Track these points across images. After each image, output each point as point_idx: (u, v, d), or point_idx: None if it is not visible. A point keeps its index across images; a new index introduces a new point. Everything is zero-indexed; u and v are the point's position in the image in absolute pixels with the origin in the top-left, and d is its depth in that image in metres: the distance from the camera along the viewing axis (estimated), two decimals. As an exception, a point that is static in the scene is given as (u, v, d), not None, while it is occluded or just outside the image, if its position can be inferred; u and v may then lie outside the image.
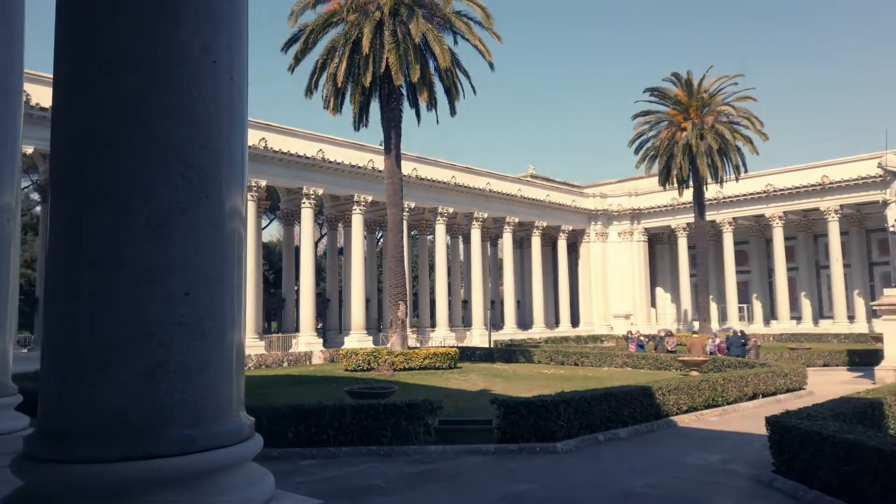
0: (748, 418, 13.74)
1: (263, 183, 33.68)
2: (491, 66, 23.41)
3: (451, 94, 23.35)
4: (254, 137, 32.99)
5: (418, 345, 36.48)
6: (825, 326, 47.65)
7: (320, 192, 36.59)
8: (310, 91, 23.77)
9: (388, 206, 23.98)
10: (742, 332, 27.44)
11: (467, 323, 48.67)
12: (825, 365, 26.24)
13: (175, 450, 2.38)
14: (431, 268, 48.54)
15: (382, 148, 24.31)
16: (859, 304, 48.70)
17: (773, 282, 53.70)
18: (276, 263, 50.34)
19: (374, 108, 24.32)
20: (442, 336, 41.31)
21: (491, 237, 56.70)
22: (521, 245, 58.39)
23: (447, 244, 48.98)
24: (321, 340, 36.21)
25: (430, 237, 52.31)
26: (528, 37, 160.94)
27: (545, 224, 50.46)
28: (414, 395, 14.88)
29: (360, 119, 23.91)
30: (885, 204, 21.54)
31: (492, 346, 36.24)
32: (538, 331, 47.99)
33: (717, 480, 8.11)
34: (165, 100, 2.43)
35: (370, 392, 12.41)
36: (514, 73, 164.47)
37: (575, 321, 54.49)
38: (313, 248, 36.96)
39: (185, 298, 2.50)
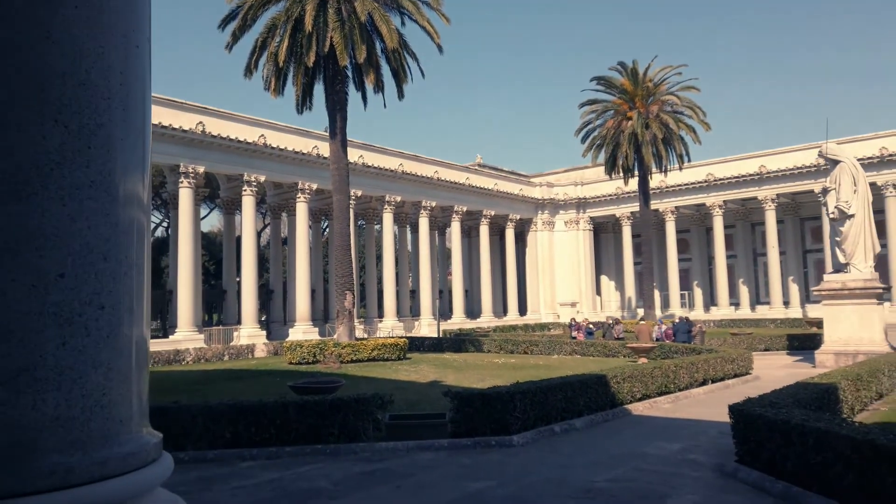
0: (700, 404, 13.73)
1: (201, 169, 32.18)
2: (439, 48, 22.79)
3: (399, 76, 22.61)
4: (190, 121, 31.46)
5: (366, 336, 35.74)
6: (762, 312, 49.22)
7: (262, 179, 35.29)
8: (249, 71, 22.60)
9: (333, 194, 23.11)
10: (687, 318, 27.86)
11: (416, 313, 48.15)
12: (766, 349, 26.87)
13: (46, 484, 1.73)
14: (379, 257, 47.68)
15: (328, 134, 23.41)
16: (794, 290, 50.57)
17: (712, 269, 55.13)
18: (218, 254, 48.55)
19: (319, 90, 23.41)
20: (390, 326, 40.69)
21: (439, 226, 56.28)
22: (470, 234, 58.17)
23: (395, 233, 48.27)
24: (264, 333, 35.05)
25: (377, 226, 51.37)
26: (476, 23, 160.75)
27: (493, 213, 50.33)
28: (362, 389, 14.26)
29: (304, 102, 22.91)
30: (826, 191, 22.06)
31: (441, 335, 35.85)
32: (486, 320, 47.90)
33: (680, 472, 7.84)
34: (26, 9, 1.76)
35: (315, 387, 11.73)
36: (462, 60, 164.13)
37: (522, 310, 54.71)
38: (255, 237, 35.67)
39: (58, 282, 1.83)
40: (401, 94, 22.86)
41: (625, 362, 22.21)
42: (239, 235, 37.96)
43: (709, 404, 13.67)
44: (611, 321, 28.71)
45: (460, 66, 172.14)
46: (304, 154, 36.48)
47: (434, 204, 45.80)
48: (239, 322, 35.82)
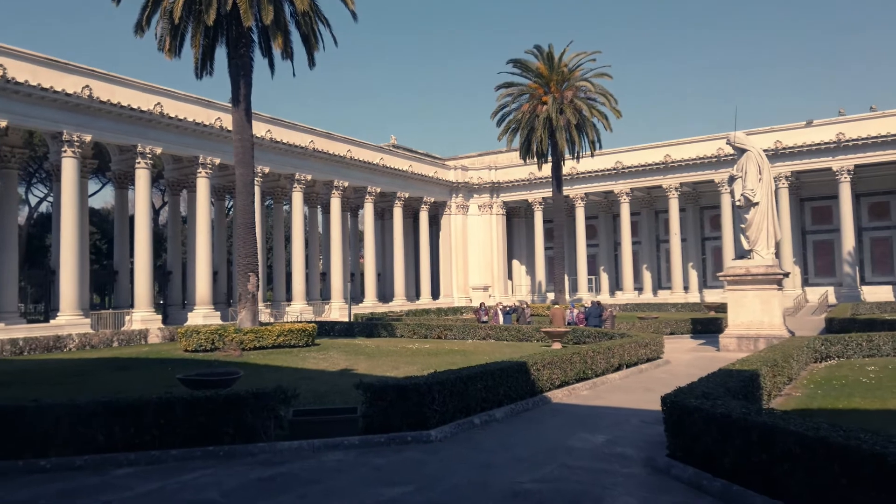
0: (617, 390, 13.49)
1: (88, 138, 29.23)
2: (353, 15, 21.44)
3: (310, 42, 21.04)
4: (76, 84, 28.47)
5: (272, 320, 34.05)
6: (664, 296, 51.18)
7: (159, 151, 32.62)
8: (140, 28, 20.32)
9: (236, 167, 21.35)
10: (599, 302, 28.13)
11: (326, 296, 46.64)
12: (672, 333, 27.52)
13: None
14: (288, 239, 45.69)
15: (232, 105, 21.50)
16: (693, 275, 52.88)
17: (618, 255, 56.80)
18: (110, 232, 44.93)
19: (221, 55, 21.49)
20: (299, 310, 39.08)
21: (351, 208, 54.75)
22: (383, 216, 57.00)
23: (305, 214, 46.39)
24: (160, 317, 32.63)
25: (286, 207, 49.28)
26: (390, 4, 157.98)
27: (407, 195, 49.40)
28: (265, 380, 13.08)
29: (204, 65, 20.95)
30: (732, 179, 22.60)
31: (352, 320, 34.68)
32: (399, 303, 47.09)
33: (610, 468, 7.31)
34: None
35: (209, 379, 10.46)
36: (377, 39, 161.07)
37: (435, 293, 54.29)
38: (150, 214, 33.01)
39: None
40: (311, 63, 21.35)
41: (539, 347, 22.03)
42: (133, 213, 35.09)
43: (626, 390, 13.48)
44: (524, 305, 28.59)
45: (375, 45, 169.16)
46: (205, 126, 34.05)
47: (346, 184, 44.29)
48: (132, 305, 33.19)
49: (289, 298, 42.70)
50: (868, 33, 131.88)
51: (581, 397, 12.70)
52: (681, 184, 48.91)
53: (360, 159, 44.81)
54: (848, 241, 42.97)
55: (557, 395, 12.44)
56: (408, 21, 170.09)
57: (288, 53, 20.86)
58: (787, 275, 24.09)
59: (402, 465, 7.73)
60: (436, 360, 17.11)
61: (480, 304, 30.30)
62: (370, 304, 45.34)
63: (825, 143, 42.59)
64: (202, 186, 34.96)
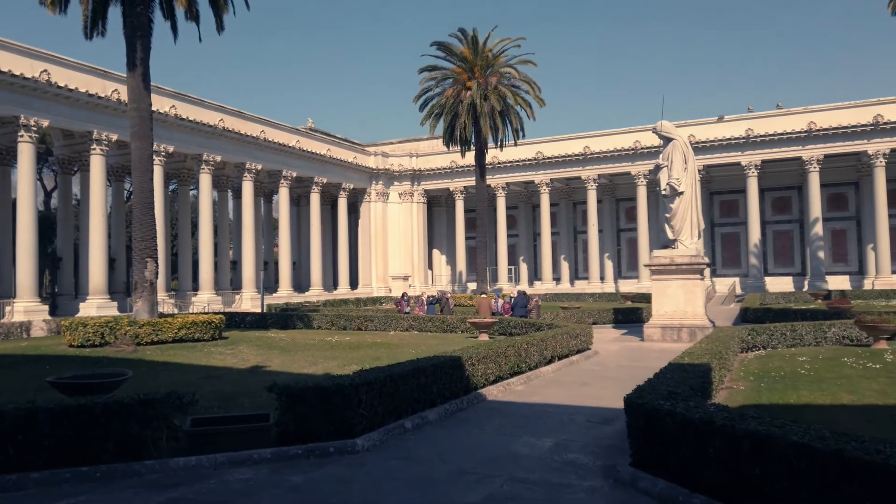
0: (553, 385, 12.72)
1: (-43, 106, 25.78)
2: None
3: (218, 2, 19.03)
4: (-58, 43, 24.95)
5: (176, 311, 31.52)
6: (581, 287, 51.79)
7: (45, 124, 29.34)
8: (18, -22, 17.75)
9: (132, 140, 19.04)
10: (524, 292, 27.59)
11: (237, 286, 44.08)
12: (594, 323, 27.30)
13: None
14: (195, 225, 42.78)
15: (127, 69, 19.10)
16: (609, 266, 53.87)
17: (538, 245, 57.12)
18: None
19: (116, 15, 19.09)
20: (206, 301, 36.56)
21: (265, 193, 52.12)
22: (299, 202, 54.67)
23: (214, 198, 43.55)
24: (46, 307, 29.44)
25: (193, 192, 46.15)
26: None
27: (325, 180, 47.38)
28: (160, 381, 11.43)
29: (94, 24, 18.51)
30: (658, 168, 22.43)
31: (265, 311, 32.69)
32: (316, 293, 45.17)
33: (567, 481, 6.37)
34: None
35: (86, 383, 8.76)
36: (294, 22, 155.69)
37: (354, 283, 52.65)
38: (34, 193, 29.64)
39: None
40: (220, 27, 19.28)
41: (465, 338, 21.14)
42: (15, 196, 31.52)
43: (561, 384, 12.74)
44: (448, 295, 27.69)
45: (293, 27, 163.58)
46: (100, 97, 30.94)
47: (260, 167, 41.84)
48: (14, 295, 29.82)
49: (196, 288, 39.92)
50: (778, 33, 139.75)
51: (516, 393, 11.82)
52: (599, 175, 49.48)
53: (275, 141, 42.45)
54: (754, 233, 44.76)
55: (492, 392, 11.51)
56: (324, 6, 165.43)
57: (192, 14, 18.74)
58: (709, 265, 24.39)
59: (323, 484, 6.49)
60: (358, 355, 15.83)
61: (402, 294, 29.13)
62: (285, 294, 43.21)
63: (735, 139, 44.10)
64: (97, 164, 31.81)
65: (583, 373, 14.35)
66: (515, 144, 40.50)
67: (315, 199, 46.96)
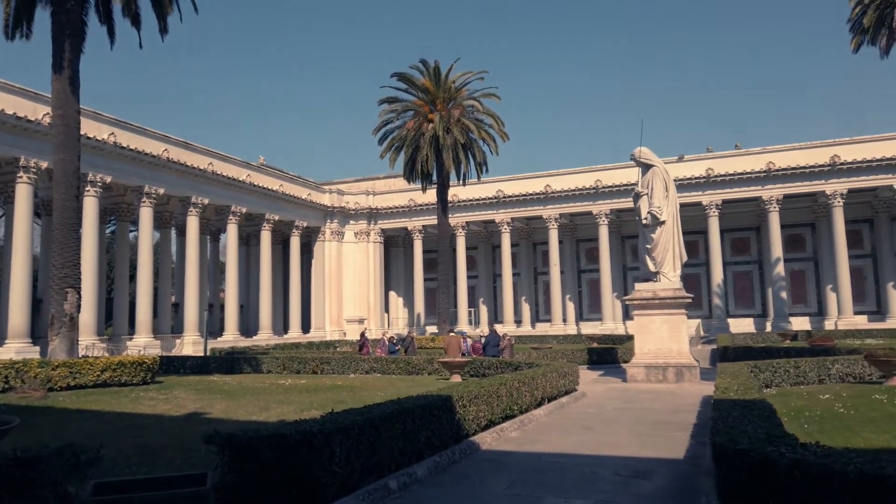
0: (551, 431, 10.78)
1: None
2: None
3: (162, 4, 17.05)
4: None
5: (106, 355, 28.32)
6: (543, 329, 50.26)
7: (-37, 147, 26.40)
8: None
9: (55, 151, 16.47)
10: (495, 330, 25.70)
11: (178, 330, 40.78)
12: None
13: None
14: (134, 267, 39.64)
15: (53, 71, 16.74)
16: (570, 307, 52.55)
17: (497, 286, 55.65)
18: None
19: (45, 17, 16.89)
20: (143, 345, 33.32)
21: (212, 231, 49.28)
22: (249, 242, 51.93)
23: (156, 238, 40.61)
24: (-47, 353, 25.89)
25: (133, 232, 43.02)
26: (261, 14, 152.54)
27: (277, 218, 44.97)
28: (66, 431, 9.00)
29: (19, 23, 16.27)
30: (637, 196, 21.21)
31: (208, 354, 29.78)
32: (265, 337, 42.20)
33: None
34: None
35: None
36: (245, 55, 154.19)
37: (306, 327, 49.77)
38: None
39: None
40: (163, 29, 17.19)
41: (435, 380, 19.08)
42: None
43: (561, 430, 10.81)
44: (411, 335, 25.52)
45: (243, 59, 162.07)
46: (28, 121, 28.24)
47: (207, 201, 39.27)
48: (-85, 339, 26.26)
49: (132, 333, 36.59)
50: (736, 75, 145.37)
51: (513, 441, 9.84)
52: (560, 214, 48.61)
53: (224, 174, 40.06)
54: (717, 274, 44.33)
55: (486, 440, 9.50)
56: (281, 36, 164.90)
57: (130, 12, 16.67)
58: (692, 298, 23.06)
59: (285, 583, 4.35)
60: (317, 398, 13.56)
61: (361, 335, 26.81)
62: (231, 338, 40.13)
63: (696, 178, 43.94)
64: (23, 195, 28.82)
65: (579, 416, 12.47)
66: (479, 180, 39.21)
67: (266, 237, 44.41)
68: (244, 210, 42.06)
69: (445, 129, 34.35)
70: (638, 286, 20.99)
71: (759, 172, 42.55)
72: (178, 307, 43.89)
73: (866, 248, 46.24)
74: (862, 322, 41.95)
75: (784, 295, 43.52)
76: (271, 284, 44.68)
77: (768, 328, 43.35)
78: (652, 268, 20.76)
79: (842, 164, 40.38)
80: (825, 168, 40.86)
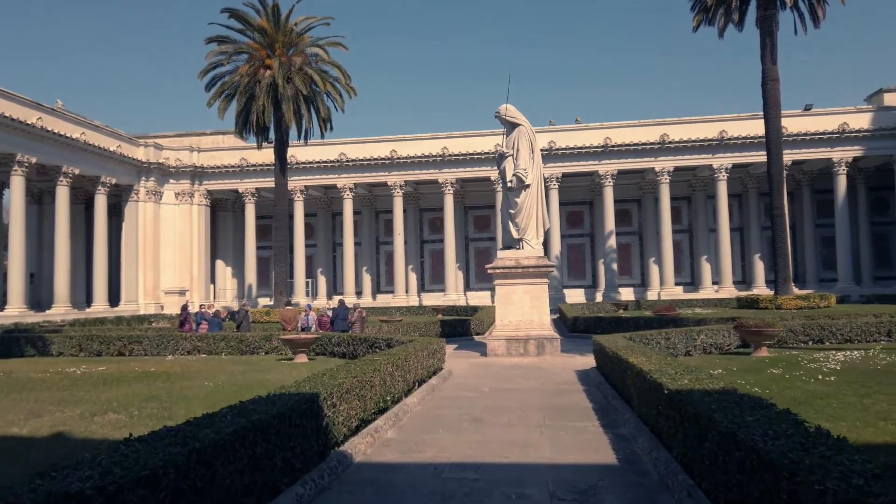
0: (434, 426, 8.67)
1: None
2: None
3: None
4: None
5: None
6: (385, 300, 48.49)
7: None
8: None
9: None
10: (343, 301, 23.06)
11: (-59, 303, 33.23)
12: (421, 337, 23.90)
13: None
14: None
15: None
16: (413, 278, 51.29)
17: (338, 256, 52.83)
18: None
19: None
20: None
21: (-9, 184, 40.87)
22: (42, 200, 44.13)
23: None
24: None
25: None
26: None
27: (78, 172, 38.18)
28: None
29: None
30: (502, 157, 19.72)
31: (-22, 334, 23.96)
32: (61, 311, 35.85)
33: None
34: None
35: None
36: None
37: (115, 299, 43.46)
38: None
39: None
40: None
41: (274, 360, 16.26)
42: None
43: (446, 424, 8.75)
44: (246, 307, 22.14)
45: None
46: None
47: (-19, 147, 31.99)
48: None
49: None
50: (580, 48, 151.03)
51: (394, 447, 7.58)
52: (405, 182, 46.79)
53: (8, 115, 32.87)
54: (555, 245, 45.14)
55: (359, 448, 7.13)
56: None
57: None
58: (554, 267, 22.22)
59: None
60: (120, 394, 10.23)
61: (183, 308, 22.85)
62: (16, 312, 33.41)
63: (543, 150, 44.11)
64: None
65: (458, 403, 10.52)
66: (323, 138, 35.88)
67: (63, 194, 37.50)
68: (34, 160, 35.03)
69: (286, 77, 30.63)
70: (500, 254, 19.61)
71: (596, 147, 43.75)
72: (-57, 276, 35.86)
73: (684, 223, 49.81)
74: (680, 292, 45.15)
75: (615, 266, 45.54)
76: (70, 249, 38.02)
77: (599, 298, 45.16)
78: (515, 234, 19.45)
79: (670, 142, 42.65)
80: (655, 146, 42.95)
